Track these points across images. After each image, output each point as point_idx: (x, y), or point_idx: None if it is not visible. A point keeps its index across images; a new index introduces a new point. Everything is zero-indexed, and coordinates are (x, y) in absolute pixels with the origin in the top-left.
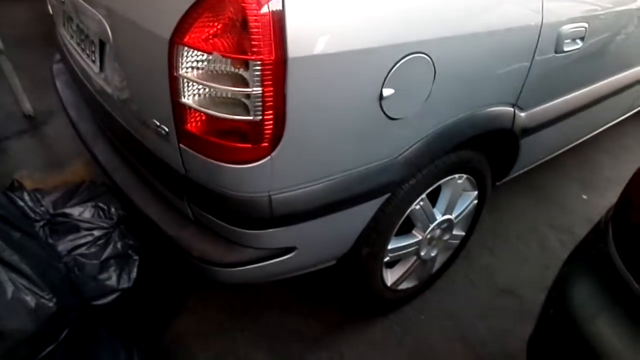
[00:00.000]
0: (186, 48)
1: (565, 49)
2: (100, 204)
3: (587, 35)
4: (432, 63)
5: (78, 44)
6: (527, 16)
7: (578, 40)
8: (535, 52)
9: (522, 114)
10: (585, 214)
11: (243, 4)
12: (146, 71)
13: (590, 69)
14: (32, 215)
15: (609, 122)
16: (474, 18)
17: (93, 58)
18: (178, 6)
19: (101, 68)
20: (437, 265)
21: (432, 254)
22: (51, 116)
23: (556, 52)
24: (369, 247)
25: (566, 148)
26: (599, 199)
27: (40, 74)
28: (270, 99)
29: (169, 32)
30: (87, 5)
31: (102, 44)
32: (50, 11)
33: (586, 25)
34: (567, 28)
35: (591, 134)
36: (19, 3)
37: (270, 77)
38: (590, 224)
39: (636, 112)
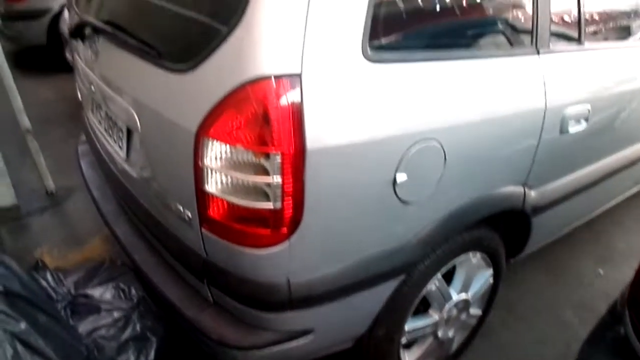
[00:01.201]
0: (211, 140)
1: (571, 129)
2: (121, 284)
3: (591, 116)
4: (442, 149)
5: (106, 130)
6: (531, 101)
7: (582, 121)
8: (541, 134)
9: (533, 193)
10: (603, 288)
11: (265, 101)
12: (172, 160)
13: (597, 146)
14: (55, 295)
15: (621, 196)
16: (480, 105)
17: (120, 144)
18: (204, 102)
19: (128, 154)
20: (455, 345)
21: (450, 334)
22: (72, 193)
23: (561, 133)
24: (385, 328)
25: (579, 223)
26: (615, 272)
27: (63, 152)
28: (290, 187)
29: (195, 125)
30: (116, 96)
31: (129, 132)
32: (80, 97)
33: (589, 106)
34: (570, 110)
35: (603, 208)
36: (45, 82)
37: (289, 167)
38: (608, 300)
39: None
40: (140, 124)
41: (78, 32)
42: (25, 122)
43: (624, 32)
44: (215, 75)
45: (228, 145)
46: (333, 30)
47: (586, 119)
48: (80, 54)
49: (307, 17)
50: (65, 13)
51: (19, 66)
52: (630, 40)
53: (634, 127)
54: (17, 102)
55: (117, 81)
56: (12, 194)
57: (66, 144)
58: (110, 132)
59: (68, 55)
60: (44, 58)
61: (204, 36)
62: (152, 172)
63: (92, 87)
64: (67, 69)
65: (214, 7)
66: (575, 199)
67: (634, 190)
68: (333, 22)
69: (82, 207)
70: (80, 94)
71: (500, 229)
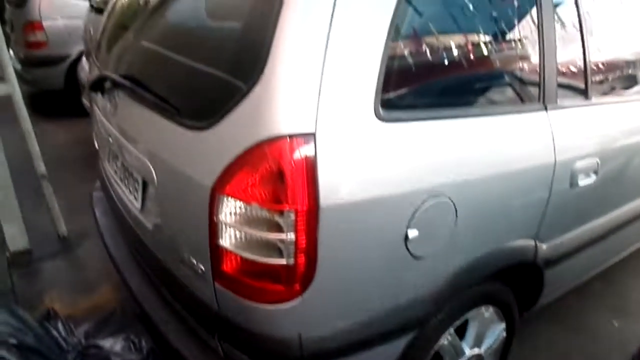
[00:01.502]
0: (227, 197)
1: (580, 183)
2: (131, 336)
3: (600, 169)
4: (453, 204)
5: (121, 180)
6: (540, 156)
7: (592, 174)
8: (551, 188)
9: (544, 246)
10: (619, 341)
11: (280, 159)
12: (187, 213)
13: (608, 198)
14: (66, 346)
15: (634, 246)
16: (491, 161)
17: (135, 195)
18: (220, 159)
19: (143, 205)
20: None
21: None
22: (84, 238)
23: (571, 186)
24: None
25: (592, 274)
26: (631, 324)
27: (77, 196)
28: (303, 244)
29: (211, 181)
30: (133, 148)
31: (145, 184)
32: (96, 146)
33: (598, 159)
34: (580, 164)
35: (616, 259)
36: (61, 125)
37: (303, 224)
38: (625, 353)
39: None
40: (156, 177)
41: (98, 85)
42: (41, 168)
43: (631, 85)
44: (232, 133)
45: (243, 202)
46: (346, 91)
47: (595, 172)
48: (99, 105)
49: (321, 78)
50: (84, 60)
51: (35, 108)
52: (637, 92)
53: None
54: (35, 148)
55: (135, 134)
56: (25, 239)
57: (80, 187)
58: (126, 182)
59: (85, 101)
60: (60, 102)
61: (221, 95)
62: (167, 224)
63: (110, 139)
64: (84, 113)
65: (232, 65)
66: (587, 251)
67: None
68: (346, 83)
69: (94, 253)
70: (97, 143)
71: (512, 282)
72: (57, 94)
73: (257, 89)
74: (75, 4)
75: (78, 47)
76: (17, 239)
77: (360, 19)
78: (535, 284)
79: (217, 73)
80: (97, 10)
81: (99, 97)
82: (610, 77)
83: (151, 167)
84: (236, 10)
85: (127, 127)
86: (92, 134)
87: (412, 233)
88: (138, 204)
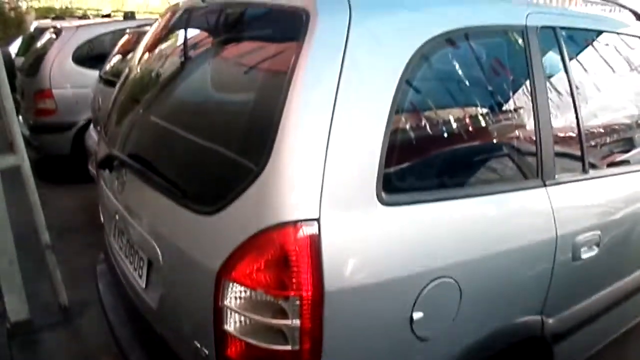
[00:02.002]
0: (232, 282)
1: (583, 256)
2: None
3: (602, 241)
4: (457, 285)
5: (126, 257)
6: (541, 232)
7: (594, 247)
8: (554, 263)
9: (551, 320)
10: None
11: (285, 246)
12: (191, 296)
13: (612, 269)
14: None
15: None
16: (493, 240)
17: (140, 273)
18: (226, 244)
19: (147, 284)
20: None
21: None
22: (86, 309)
23: (574, 260)
24: None
25: (602, 344)
26: None
27: (80, 263)
28: (308, 329)
29: (217, 266)
30: (139, 228)
31: (150, 263)
32: (102, 219)
33: (599, 232)
34: (581, 237)
35: (627, 327)
36: (67, 191)
37: (308, 310)
38: None
39: None
40: (162, 258)
41: (106, 163)
42: (46, 238)
43: (627, 155)
44: (238, 220)
45: (249, 288)
46: (349, 177)
47: (597, 245)
48: (106, 181)
49: (325, 163)
50: (91, 127)
51: (41, 174)
52: (635, 165)
53: None
54: (40, 218)
55: (142, 214)
56: (26, 309)
57: (84, 255)
58: (131, 259)
59: (91, 168)
60: (67, 168)
61: (227, 179)
62: (171, 305)
63: (116, 215)
64: (89, 179)
65: (238, 148)
66: (595, 323)
67: None
68: (349, 168)
69: (95, 324)
70: (103, 217)
71: (523, 357)
72: (63, 159)
73: (263, 176)
74: (85, 73)
75: (85, 115)
76: (17, 310)
77: (363, 106)
78: (545, 358)
79: (224, 155)
80: (106, 81)
81: (106, 174)
82: (605, 149)
83: (157, 247)
84: (245, 90)
85: (133, 206)
86: (98, 203)
87: (417, 315)
88: (143, 283)
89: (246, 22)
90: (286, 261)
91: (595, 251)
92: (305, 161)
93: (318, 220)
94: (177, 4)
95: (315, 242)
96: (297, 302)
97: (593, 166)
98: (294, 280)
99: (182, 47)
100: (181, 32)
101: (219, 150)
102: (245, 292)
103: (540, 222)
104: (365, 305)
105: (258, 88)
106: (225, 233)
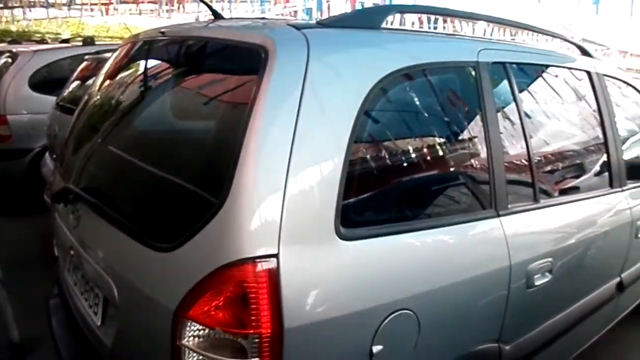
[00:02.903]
0: (190, 321)
1: (536, 283)
2: None
3: (554, 267)
4: (415, 316)
5: (81, 293)
6: (496, 261)
7: (547, 273)
8: (509, 291)
9: (507, 347)
10: None
11: (244, 284)
12: (148, 335)
13: (566, 294)
14: None
15: (596, 336)
16: (449, 271)
17: (95, 310)
18: (183, 281)
19: (103, 322)
20: None
21: None
22: (37, 345)
23: (528, 287)
24: None
25: None
26: None
27: (33, 297)
28: None
29: (174, 303)
30: (94, 264)
31: (106, 300)
32: (56, 253)
33: (551, 259)
34: (534, 265)
35: (580, 350)
36: (20, 221)
37: (268, 348)
38: None
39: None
40: (117, 295)
41: (60, 197)
42: None
43: (576, 184)
44: (196, 256)
45: (207, 326)
46: (307, 212)
47: (550, 271)
48: (60, 214)
49: (284, 198)
50: (46, 155)
51: None
52: (584, 192)
53: (597, 272)
54: None
55: (97, 250)
56: None
57: (36, 288)
58: (86, 296)
59: (46, 197)
60: (20, 196)
61: (186, 217)
62: (127, 344)
63: (71, 250)
64: (44, 208)
65: (198, 189)
66: (551, 347)
67: (608, 328)
68: (307, 204)
69: None
70: (57, 251)
71: None
72: (17, 187)
73: (222, 211)
74: (41, 99)
75: (41, 141)
76: None
77: (322, 140)
78: None
79: (183, 189)
80: (62, 108)
81: (61, 207)
82: (555, 178)
83: (113, 284)
84: (204, 124)
85: (89, 241)
86: (52, 235)
87: (377, 348)
88: (98, 320)
89: (205, 56)
90: (245, 299)
91: (548, 278)
92: (265, 195)
93: (277, 256)
94: (137, 35)
95: (274, 279)
96: (257, 340)
97: (544, 195)
98: (252, 317)
99: (141, 78)
100: (141, 63)
101: (178, 184)
102: (203, 330)
103: (494, 252)
104: (325, 341)
105: (217, 121)
106: (183, 270)
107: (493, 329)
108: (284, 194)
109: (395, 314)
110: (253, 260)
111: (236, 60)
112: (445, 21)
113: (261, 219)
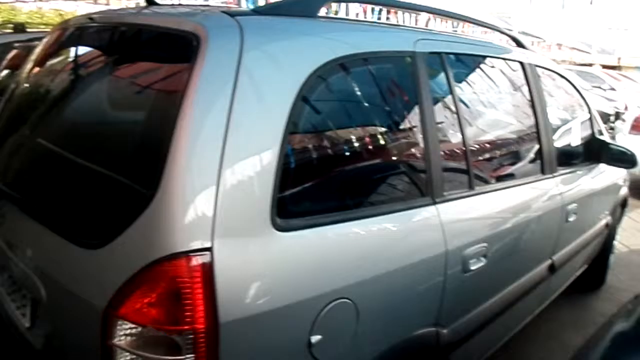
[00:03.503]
0: (121, 319)
1: (472, 267)
2: None
3: (489, 252)
4: (354, 305)
5: (8, 294)
6: (432, 247)
7: (482, 258)
8: (445, 276)
9: (445, 331)
10: None
11: (176, 278)
12: (79, 336)
13: (500, 277)
14: None
15: (530, 316)
16: (387, 258)
17: (23, 312)
18: (113, 279)
19: (32, 324)
20: None
21: None
22: None
23: (464, 272)
24: None
25: (495, 349)
26: None
27: None
28: None
29: (104, 302)
30: (21, 263)
31: (34, 301)
32: None
33: (486, 244)
34: (469, 250)
35: (516, 330)
36: None
37: (203, 344)
38: None
39: (555, 298)
40: (46, 296)
41: None
42: None
43: (510, 170)
44: (125, 252)
45: (139, 324)
46: (242, 203)
47: (485, 256)
48: None
49: (217, 190)
50: None
51: None
52: (517, 178)
53: (530, 255)
54: None
55: (24, 249)
56: None
57: None
58: (13, 297)
59: None
60: None
61: (115, 211)
62: (57, 345)
63: None
64: None
65: (128, 181)
66: (487, 329)
67: (541, 308)
68: (242, 195)
69: None
70: None
71: None
72: None
73: (152, 205)
74: None
75: None
76: None
77: (256, 129)
78: None
79: (112, 182)
80: None
81: None
82: (490, 165)
83: (41, 284)
84: (134, 113)
85: (14, 239)
86: None
87: (315, 338)
88: (26, 322)
89: (136, 44)
90: (178, 294)
91: (483, 262)
92: (197, 187)
93: (211, 249)
94: (67, 21)
95: (208, 273)
96: (191, 336)
97: (479, 182)
98: (186, 314)
99: (70, 66)
100: (70, 51)
101: (107, 177)
102: (135, 328)
103: (431, 238)
104: (262, 334)
105: (148, 112)
106: (113, 267)
107: (431, 314)
108: (217, 185)
109: (333, 303)
110: (186, 254)
111: (168, 48)
112: (389, 12)
113: (193, 212)
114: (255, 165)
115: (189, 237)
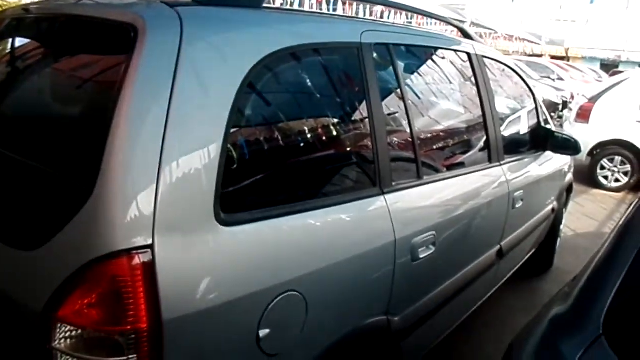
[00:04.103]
0: (60, 321)
1: (421, 256)
2: None
3: (437, 240)
4: (302, 297)
5: None
6: (381, 237)
7: (431, 246)
8: (395, 266)
9: (396, 319)
10: None
11: (115, 277)
12: (17, 342)
13: (449, 264)
14: None
15: (480, 301)
16: (335, 249)
17: None
18: (50, 280)
19: None
20: None
21: None
22: None
23: (413, 260)
24: None
25: (447, 333)
26: None
27: None
28: None
29: (41, 304)
30: None
31: None
32: None
33: (434, 232)
34: (418, 239)
35: (468, 313)
36: None
37: (146, 344)
38: None
39: (504, 283)
40: None
41: None
42: None
43: (457, 160)
44: (63, 252)
45: (79, 326)
46: (184, 198)
47: (434, 244)
48: None
49: (157, 185)
50: None
51: None
52: (465, 167)
53: (479, 241)
54: None
55: None
56: None
57: None
58: None
59: None
60: None
61: (51, 210)
62: None
63: None
64: None
65: (64, 177)
66: (438, 315)
67: (491, 293)
68: (183, 189)
69: None
70: None
71: (374, 357)
72: None
73: (89, 203)
74: None
75: None
76: None
77: (198, 121)
78: (394, 354)
79: (47, 177)
80: None
81: None
82: (439, 155)
83: None
84: (71, 105)
85: None
86: None
87: (264, 332)
88: None
89: (74, 35)
90: (118, 294)
91: (432, 250)
92: (136, 183)
93: (152, 247)
94: (4, 11)
95: (149, 271)
96: (133, 336)
97: (427, 171)
98: (128, 313)
99: (7, 59)
100: (7, 43)
101: (42, 174)
102: (76, 331)
103: (379, 228)
104: (209, 329)
105: (85, 106)
106: (50, 267)
107: (381, 303)
108: (157, 180)
109: (281, 296)
110: (126, 252)
111: (106, 39)
112: (344, 4)
113: (132, 209)
114: (198, 159)
115: (128, 235)
